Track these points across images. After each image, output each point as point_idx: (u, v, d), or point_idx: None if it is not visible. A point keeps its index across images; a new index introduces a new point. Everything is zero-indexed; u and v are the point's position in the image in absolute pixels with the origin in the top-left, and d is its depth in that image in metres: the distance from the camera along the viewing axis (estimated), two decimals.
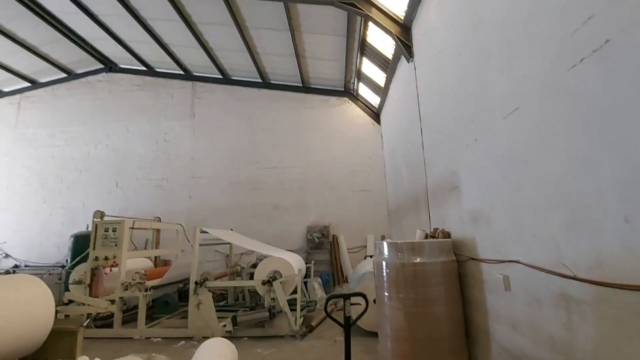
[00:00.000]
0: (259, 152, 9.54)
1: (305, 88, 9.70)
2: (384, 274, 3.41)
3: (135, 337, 5.41)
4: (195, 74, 10.02)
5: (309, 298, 6.94)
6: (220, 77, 9.86)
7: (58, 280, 8.54)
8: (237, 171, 9.47)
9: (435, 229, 4.04)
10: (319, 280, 7.80)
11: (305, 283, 7.03)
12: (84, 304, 5.22)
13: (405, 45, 5.39)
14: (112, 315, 5.57)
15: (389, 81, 7.30)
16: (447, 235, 3.80)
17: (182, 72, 9.94)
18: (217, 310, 5.46)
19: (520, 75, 2.41)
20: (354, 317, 2.68)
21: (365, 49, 7.19)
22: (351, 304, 2.40)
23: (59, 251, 9.07)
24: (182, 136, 9.77)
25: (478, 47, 3.06)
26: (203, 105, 9.91)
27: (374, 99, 8.90)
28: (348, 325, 2.30)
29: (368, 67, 7.76)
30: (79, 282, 5.71)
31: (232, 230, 7.98)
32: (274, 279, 5.32)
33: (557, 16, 2.00)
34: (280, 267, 5.64)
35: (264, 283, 5.36)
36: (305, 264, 7.08)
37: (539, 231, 2.26)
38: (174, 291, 6.60)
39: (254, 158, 9.51)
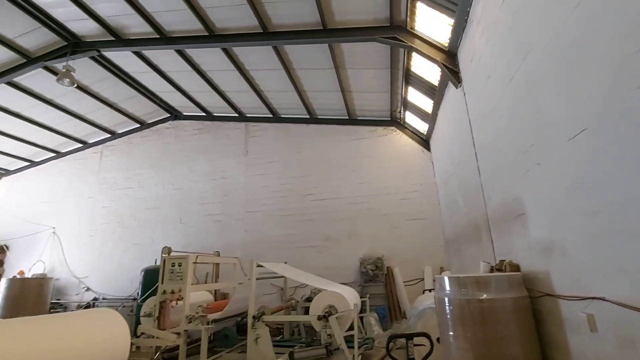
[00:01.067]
0: (310, 184, 9.78)
1: (352, 120, 9.92)
2: (447, 311, 3.21)
3: None
4: (248, 115, 10.78)
5: (366, 334, 6.67)
6: (271, 116, 10.49)
7: (130, 312, 9.21)
8: (289, 204, 9.75)
9: (502, 261, 3.75)
10: (376, 315, 7.50)
11: (361, 318, 6.81)
12: (154, 337, 5.55)
13: (452, 72, 5.36)
14: (177, 347, 5.82)
15: (436, 108, 7.22)
16: (515, 268, 3.50)
17: (236, 115, 10.75)
18: (273, 345, 5.46)
19: (581, 97, 2.28)
20: (417, 358, 2.53)
21: (410, 78, 7.25)
22: (414, 345, 2.28)
23: (131, 284, 9.85)
24: (237, 173, 10.39)
25: (530, 71, 2.96)
26: (256, 143, 10.53)
27: (422, 126, 8.80)
28: None
29: (414, 96, 7.77)
30: (149, 315, 6.10)
31: (285, 263, 8.10)
32: (330, 314, 5.24)
33: (612, 36, 1.90)
34: (335, 302, 5.55)
35: (319, 318, 5.30)
36: (360, 297, 6.90)
37: (626, 263, 2.02)
38: (232, 324, 6.76)
39: (305, 190, 9.76)
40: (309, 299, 7.03)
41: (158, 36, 7.30)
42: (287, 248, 9.37)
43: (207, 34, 7.01)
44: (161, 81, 9.14)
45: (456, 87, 5.46)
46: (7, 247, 11.55)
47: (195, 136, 11.10)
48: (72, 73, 7.72)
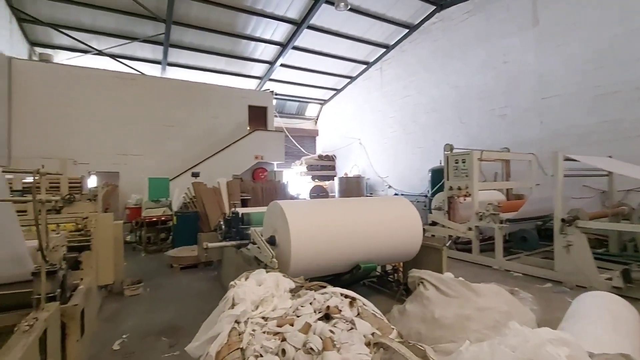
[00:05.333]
0: None
1: None
2: None
3: (493, 266, 5.43)
4: None
5: None
6: None
7: (424, 207, 10.27)
8: (607, 78, 6.81)
9: None
10: None
11: None
12: (444, 227, 5.85)
13: None
14: (470, 242, 5.88)
15: None
16: None
17: None
18: (594, 259, 4.31)
19: None
20: None
21: None
22: None
23: (421, 183, 10.84)
24: (523, 52, 8.28)
25: None
26: (550, 5, 7.76)
27: None
28: None
29: None
30: (439, 209, 6.45)
31: (610, 157, 5.93)
32: None
33: None
34: None
35: None
36: None
37: None
38: (531, 228, 5.96)
39: (636, 53, 6.40)
40: None
41: None
42: (605, 140, 6.82)
43: None
44: None
45: None
46: (334, 157, 15.72)
47: (465, 22, 9.66)
48: None
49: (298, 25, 10.66)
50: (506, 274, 5.16)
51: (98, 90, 10.20)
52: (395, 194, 11.96)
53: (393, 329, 1.63)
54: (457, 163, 6.02)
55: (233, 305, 1.70)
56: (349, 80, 14.63)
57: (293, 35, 11.08)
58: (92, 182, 9.37)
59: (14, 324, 1.61)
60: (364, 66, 13.59)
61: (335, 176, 14.59)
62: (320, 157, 15.58)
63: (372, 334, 1.51)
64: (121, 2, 8.97)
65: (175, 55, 11.62)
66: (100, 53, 10.62)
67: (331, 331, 1.44)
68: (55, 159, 8.47)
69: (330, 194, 13.29)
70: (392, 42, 12.18)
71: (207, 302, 3.88)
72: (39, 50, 10.54)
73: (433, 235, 5.79)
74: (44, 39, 10.29)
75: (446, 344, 1.85)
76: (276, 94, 14.00)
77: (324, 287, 1.91)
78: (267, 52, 12.19)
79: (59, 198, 3.34)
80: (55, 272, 2.17)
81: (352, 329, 1.49)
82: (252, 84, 14.10)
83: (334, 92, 15.68)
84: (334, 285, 1.95)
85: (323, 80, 14.64)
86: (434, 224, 6.26)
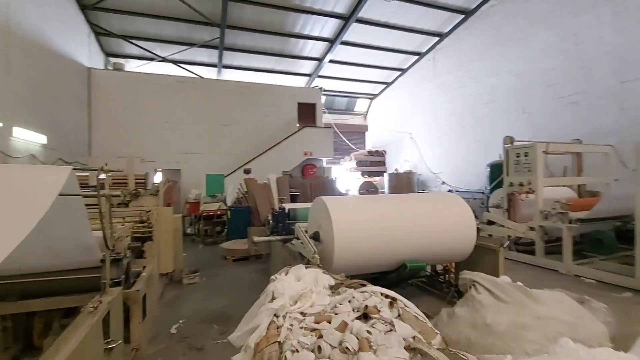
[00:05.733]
0: None
1: None
2: None
3: (561, 271, 4.92)
4: None
5: None
6: None
7: (481, 204, 9.62)
8: None
9: None
10: None
11: None
12: (502, 226, 5.42)
13: None
14: (533, 242, 5.38)
15: None
16: None
17: None
18: None
19: None
20: None
21: None
22: None
23: (477, 179, 10.16)
24: (599, 31, 7.32)
25: None
26: None
27: None
28: None
29: None
30: (497, 207, 5.99)
31: None
32: None
33: None
34: None
35: None
36: None
37: None
38: (609, 228, 5.29)
39: None
40: None
41: None
42: None
43: None
44: None
45: None
46: (385, 152, 15.37)
47: (529, 2, 8.78)
48: None
49: (346, 19, 10.55)
50: (576, 279, 4.64)
51: (163, 94, 11.09)
52: (449, 191, 11.37)
53: (437, 333, 1.54)
54: (518, 157, 5.53)
55: (273, 299, 1.73)
56: (399, 72, 14.17)
57: (341, 30, 10.99)
58: (157, 178, 10.25)
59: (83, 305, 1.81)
60: (416, 57, 13.05)
61: (385, 172, 14.26)
62: (370, 152, 15.34)
63: (413, 337, 1.44)
64: (180, 11, 9.62)
65: (229, 57, 12.19)
66: (163, 60, 11.52)
67: (368, 332, 1.40)
68: (125, 157, 9.39)
69: (380, 190, 13.04)
70: (446, 30, 11.52)
71: (255, 294, 4.00)
72: (112, 60, 11.73)
73: (490, 235, 5.39)
74: (117, 49, 11.42)
75: (494, 354, 1.70)
76: (325, 91, 14.05)
77: (364, 285, 1.86)
78: (315, 49, 12.26)
79: (120, 193, 3.68)
80: (120, 260, 2.40)
81: (390, 330, 1.43)
82: (301, 82, 14.30)
83: (384, 85, 15.30)
84: (380, 284, 1.89)
85: (372, 74, 14.36)
86: (490, 223, 5.83)
